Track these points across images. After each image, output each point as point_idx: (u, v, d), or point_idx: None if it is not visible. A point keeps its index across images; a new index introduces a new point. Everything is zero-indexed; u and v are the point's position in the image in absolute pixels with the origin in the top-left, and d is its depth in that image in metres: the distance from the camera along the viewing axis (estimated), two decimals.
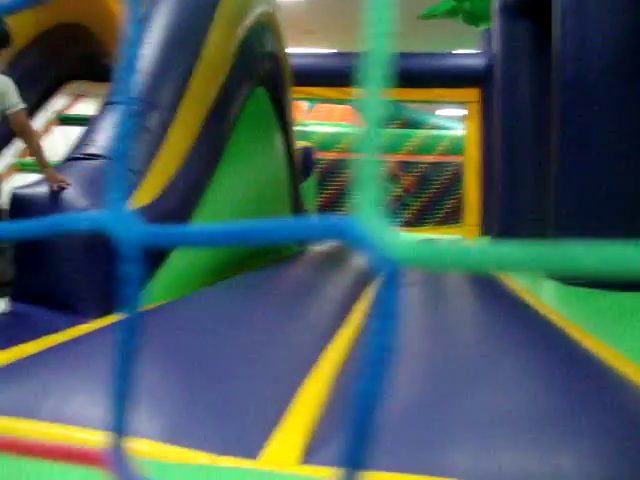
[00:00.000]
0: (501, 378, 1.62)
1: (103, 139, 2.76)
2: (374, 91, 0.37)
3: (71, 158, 2.73)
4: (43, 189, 2.54)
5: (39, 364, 1.64)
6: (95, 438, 1.21)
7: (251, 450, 1.23)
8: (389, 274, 0.29)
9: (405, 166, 11.83)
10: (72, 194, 2.51)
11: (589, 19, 3.39)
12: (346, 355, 2.07)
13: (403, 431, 1.30)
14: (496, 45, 7.03)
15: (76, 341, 1.96)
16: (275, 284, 3.22)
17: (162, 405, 1.34)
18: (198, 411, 1.35)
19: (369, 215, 0.29)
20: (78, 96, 4.59)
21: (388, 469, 1.17)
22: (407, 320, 2.52)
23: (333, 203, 11.65)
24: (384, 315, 0.30)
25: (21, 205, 2.51)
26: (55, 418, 1.29)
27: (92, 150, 2.70)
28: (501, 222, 6.38)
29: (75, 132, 4.16)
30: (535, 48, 6.04)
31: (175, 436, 1.23)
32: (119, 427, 0.40)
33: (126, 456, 0.39)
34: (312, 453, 1.24)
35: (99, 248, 2.30)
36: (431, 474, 1.19)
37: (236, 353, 1.82)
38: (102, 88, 4.25)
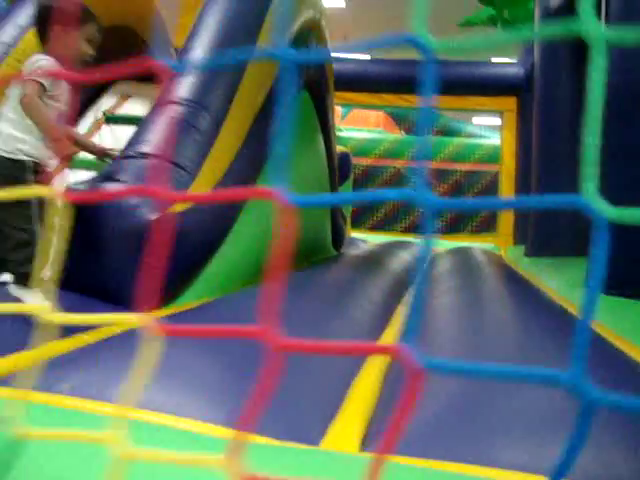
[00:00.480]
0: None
1: (155, 138, 2.85)
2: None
3: (125, 156, 2.82)
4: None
5: (103, 351, 1.71)
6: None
7: (312, 438, 1.28)
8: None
9: (440, 174, 11.83)
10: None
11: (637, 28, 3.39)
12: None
13: (454, 423, 1.35)
14: (536, 54, 7.01)
15: (131, 332, 2.03)
16: (320, 284, 3.28)
17: (224, 394, 1.40)
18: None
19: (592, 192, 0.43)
20: (126, 96, 4.70)
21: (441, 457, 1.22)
22: (452, 321, 2.57)
23: (367, 209, 11.70)
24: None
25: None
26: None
27: (145, 149, 2.79)
28: (536, 233, 6.36)
29: (123, 131, 4.28)
30: (576, 58, 6.01)
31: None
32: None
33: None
34: (370, 442, 1.29)
35: (149, 243, 2.37)
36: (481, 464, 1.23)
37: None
38: (148, 89, 4.36)
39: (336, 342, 0.50)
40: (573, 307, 3.28)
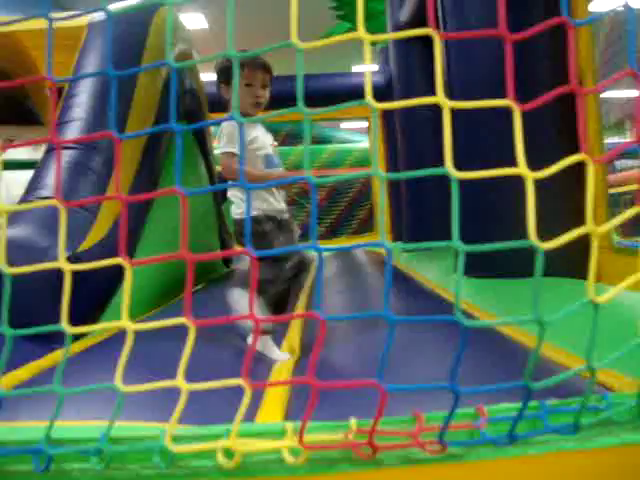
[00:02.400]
0: (427, 354, 2.04)
1: (53, 182, 3.02)
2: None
3: (25, 201, 2.97)
4: None
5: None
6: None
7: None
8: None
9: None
10: (33, 235, 2.76)
11: (472, 42, 3.91)
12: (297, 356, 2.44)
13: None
14: (392, 61, 7.56)
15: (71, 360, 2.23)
16: (216, 301, 3.54)
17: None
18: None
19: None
20: (7, 140, 4.76)
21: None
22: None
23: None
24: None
25: None
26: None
27: (45, 193, 2.96)
28: (410, 229, 6.90)
29: (9, 176, 4.35)
30: (429, 67, 6.59)
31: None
32: None
33: None
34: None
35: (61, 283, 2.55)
36: None
37: (197, 359, 2.14)
38: (29, 131, 4.46)
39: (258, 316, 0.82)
40: (443, 291, 3.73)
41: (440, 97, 0.74)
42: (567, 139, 2.93)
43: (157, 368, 1.79)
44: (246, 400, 0.85)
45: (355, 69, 12.49)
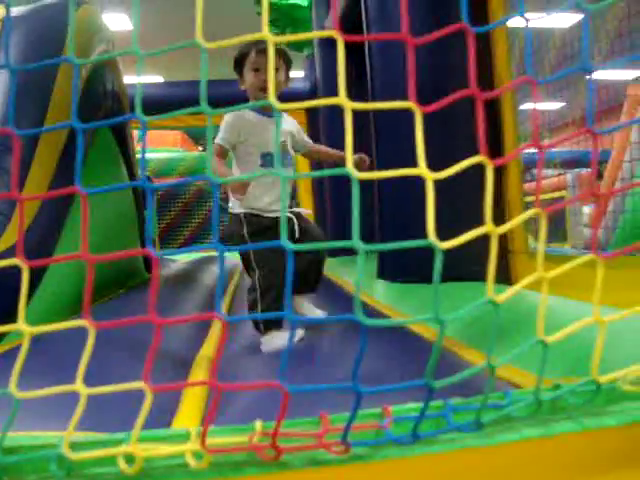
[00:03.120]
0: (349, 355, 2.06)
1: None
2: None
3: None
4: None
5: None
6: None
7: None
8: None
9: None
10: None
11: (395, 53, 3.97)
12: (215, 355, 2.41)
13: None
14: (317, 68, 7.61)
15: None
16: (137, 309, 3.47)
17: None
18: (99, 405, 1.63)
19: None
20: None
21: None
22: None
23: (174, 227, 11.76)
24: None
25: None
26: None
27: None
28: (333, 231, 6.94)
29: None
30: (354, 75, 6.64)
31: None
32: None
33: None
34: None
35: None
36: None
37: (117, 366, 2.09)
38: None
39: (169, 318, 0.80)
40: (365, 295, 3.77)
41: (342, 98, 0.74)
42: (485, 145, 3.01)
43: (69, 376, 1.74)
44: (147, 404, 0.83)
45: None
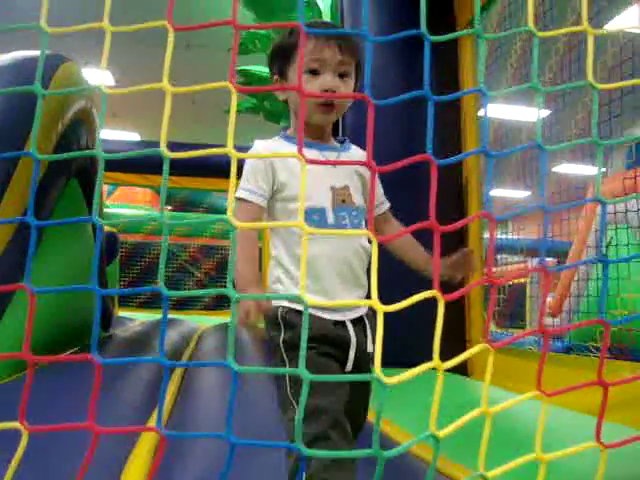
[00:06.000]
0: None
1: None
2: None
3: None
4: None
5: None
6: None
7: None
8: None
9: (207, 250, 12.17)
10: None
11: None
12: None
13: None
14: None
15: None
16: (91, 368, 3.39)
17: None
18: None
19: None
20: None
21: None
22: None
23: (136, 285, 11.65)
24: None
25: None
26: None
27: None
28: None
29: None
30: None
31: None
32: None
33: None
34: None
35: None
36: None
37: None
38: None
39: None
40: None
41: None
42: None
43: None
44: (20, 448, 0.78)
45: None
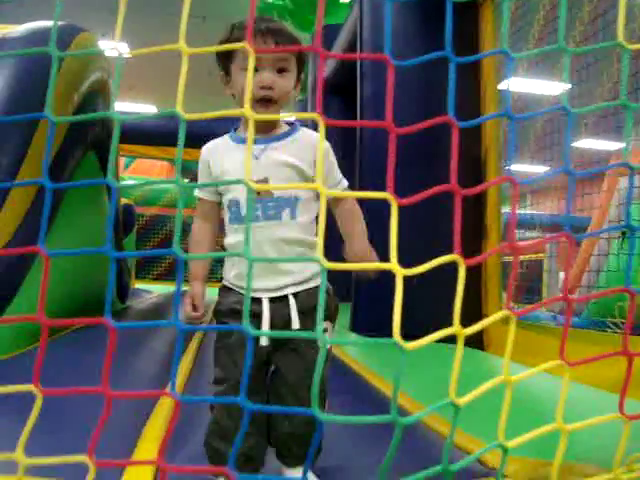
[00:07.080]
0: None
1: None
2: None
3: None
4: None
5: None
6: None
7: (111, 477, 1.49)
8: None
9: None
10: None
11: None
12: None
13: None
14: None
15: None
16: (107, 339, 3.41)
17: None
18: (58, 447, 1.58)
19: None
20: None
21: None
22: None
23: (152, 258, 11.70)
24: None
25: None
26: None
27: None
28: None
29: None
30: (345, 118, 6.72)
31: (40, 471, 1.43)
32: None
33: None
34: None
35: None
36: None
37: (80, 399, 2.04)
38: None
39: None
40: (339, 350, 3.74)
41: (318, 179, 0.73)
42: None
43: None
44: (35, 408, 0.79)
45: None
